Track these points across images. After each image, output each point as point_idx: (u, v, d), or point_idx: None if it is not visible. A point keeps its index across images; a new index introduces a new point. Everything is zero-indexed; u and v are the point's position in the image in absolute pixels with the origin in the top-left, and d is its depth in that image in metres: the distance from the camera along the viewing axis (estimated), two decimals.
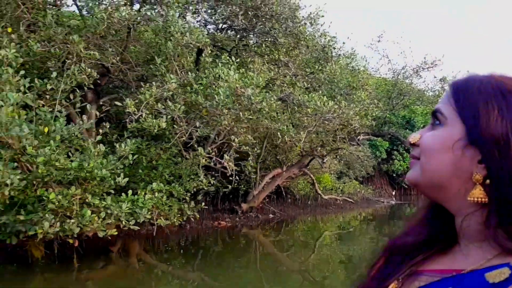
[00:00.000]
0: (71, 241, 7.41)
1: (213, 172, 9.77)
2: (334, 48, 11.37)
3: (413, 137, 0.87)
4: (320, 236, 14.10)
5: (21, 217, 6.80)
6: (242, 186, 13.40)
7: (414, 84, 18.90)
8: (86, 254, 8.63)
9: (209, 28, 11.28)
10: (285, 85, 9.71)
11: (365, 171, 20.20)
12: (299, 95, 9.46)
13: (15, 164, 6.54)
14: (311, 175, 14.87)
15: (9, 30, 7.94)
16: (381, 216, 19.38)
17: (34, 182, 6.80)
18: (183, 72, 8.80)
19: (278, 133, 9.14)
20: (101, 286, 8.04)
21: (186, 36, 8.38)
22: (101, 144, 7.34)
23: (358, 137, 12.90)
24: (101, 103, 9.68)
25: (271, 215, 14.95)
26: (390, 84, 18.79)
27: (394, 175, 23.78)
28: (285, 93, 9.54)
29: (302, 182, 17.43)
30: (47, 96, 7.29)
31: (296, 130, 9.33)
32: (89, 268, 8.61)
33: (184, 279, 8.57)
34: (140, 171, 8.97)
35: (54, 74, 7.57)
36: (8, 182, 6.31)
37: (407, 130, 20.42)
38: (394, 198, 22.78)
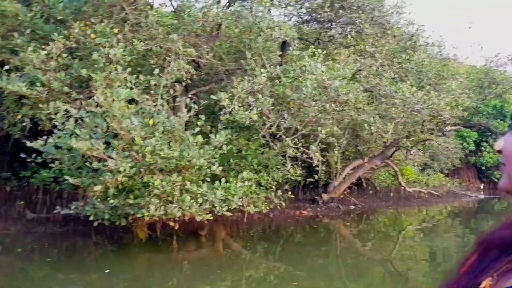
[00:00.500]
0: (172, 224, 8.16)
1: (299, 162, 10.11)
2: (422, 37, 11.15)
3: (498, 144, 0.85)
4: (402, 229, 13.94)
5: (130, 201, 7.63)
6: (322, 176, 13.62)
7: (508, 73, 17.81)
8: (180, 237, 9.39)
9: (294, 21, 11.56)
10: (371, 76, 9.75)
11: (451, 163, 19.44)
12: (386, 86, 9.46)
13: (126, 153, 7.35)
14: (394, 167, 14.69)
15: (116, 31, 8.81)
16: (468, 211, 18.60)
17: (141, 169, 7.58)
18: (271, 66, 9.17)
19: (365, 125, 9.24)
20: (195, 267, 8.68)
21: (275, 31, 8.73)
22: (199, 135, 7.95)
23: (446, 128, 12.52)
24: (189, 96, 10.38)
25: (352, 206, 15.02)
26: (481, 73, 17.85)
27: (483, 167, 22.59)
28: (371, 84, 9.58)
29: (383, 173, 17.22)
30: (151, 91, 8.02)
31: (383, 121, 9.36)
32: (184, 250, 9.36)
33: (268, 266, 8.95)
34: (230, 160, 9.54)
35: (157, 70, 8.31)
36: (121, 169, 7.12)
37: (499, 120, 19.30)
38: (482, 192, 21.69)
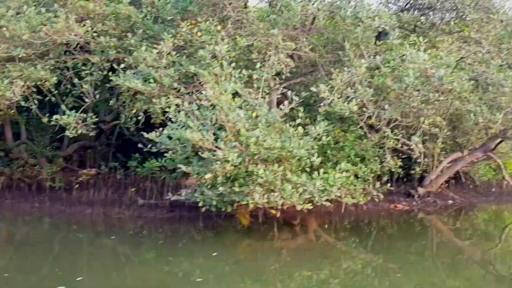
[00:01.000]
0: (273, 212, 8.57)
1: (398, 154, 10.00)
2: None
3: None
4: (505, 226, 13.16)
5: (236, 189, 8.13)
6: (418, 169, 13.26)
7: None
8: (276, 225, 9.74)
9: (392, 9, 11.39)
10: (477, 63, 9.35)
11: None
12: (494, 74, 9.03)
13: (233, 143, 7.84)
14: (498, 160, 13.86)
15: (219, 28, 9.35)
16: None
17: (246, 159, 8.02)
18: (369, 56, 9.16)
19: (470, 115, 8.91)
20: (293, 255, 8.92)
21: (375, 20, 8.70)
22: (300, 127, 8.22)
23: None
24: (281, 88, 10.67)
25: (450, 201, 14.43)
26: None
27: None
28: (477, 72, 9.20)
29: (483, 167, 16.29)
30: (255, 85, 8.43)
31: (490, 110, 8.96)
32: (281, 238, 9.71)
33: (365, 258, 8.94)
34: (328, 151, 9.71)
35: (258, 65, 8.71)
36: (229, 159, 7.62)
37: None
38: None
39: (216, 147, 7.76)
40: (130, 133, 16.28)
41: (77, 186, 12.35)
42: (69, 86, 10.50)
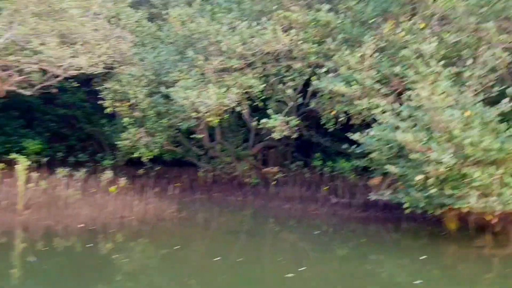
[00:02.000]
0: (488, 217, 8.08)
1: None
2: None
3: None
4: None
5: (447, 192, 7.89)
6: None
7: None
8: (484, 231, 9.08)
9: None
10: None
11: None
12: None
13: (447, 145, 7.64)
14: None
15: (422, 26, 9.19)
16: None
17: (460, 161, 7.73)
18: None
19: None
20: (508, 265, 8.19)
21: None
22: None
23: None
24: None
25: None
26: None
27: None
28: None
29: None
30: (467, 83, 8.08)
31: None
32: (492, 246, 8.98)
33: None
34: None
35: (469, 61, 8.30)
36: (443, 160, 7.45)
37: None
38: None
39: (429, 148, 7.66)
40: (309, 134, 17.06)
41: (274, 182, 13.39)
42: (270, 91, 11.50)
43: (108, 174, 10.92)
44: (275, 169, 17.16)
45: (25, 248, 7.62)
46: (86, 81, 16.61)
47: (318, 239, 9.26)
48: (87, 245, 7.99)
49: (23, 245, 7.86)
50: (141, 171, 14.51)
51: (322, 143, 17.33)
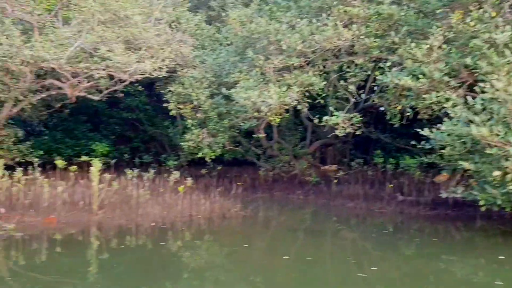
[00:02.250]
0: None
1: None
2: None
3: None
4: None
5: None
6: None
7: None
8: None
9: None
10: None
11: None
12: None
13: None
14: None
15: (493, 14, 8.70)
16: None
17: None
18: None
19: None
20: None
21: None
22: None
23: None
24: None
25: None
26: None
27: None
28: None
29: None
30: None
31: None
32: None
33: None
34: None
35: None
36: None
37: None
38: None
39: (507, 142, 7.25)
40: (368, 131, 16.68)
41: (336, 180, 13.24)
42: (330, 88, 11.37)
43: (176, 175, 11.24)
44: (334, 167, 17.02)
45: (100, 246, 8.01)
46: (149, 84, 17.26)
47: (386, 238, 9.05)
48: (159, 243, 8.28)
49: (99, 242, 8.26)
50: (203, 171, 14.85)
51: (382, 140, 16.96)
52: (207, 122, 13.00)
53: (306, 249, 8.32)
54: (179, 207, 10.37)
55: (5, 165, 11.08)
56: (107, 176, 10.08)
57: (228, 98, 12.84)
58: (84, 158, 14.55)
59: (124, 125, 20.64)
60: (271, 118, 10.77)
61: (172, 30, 13.65)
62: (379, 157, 15.27)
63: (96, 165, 9.77)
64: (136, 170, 11.56)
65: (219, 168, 15.34)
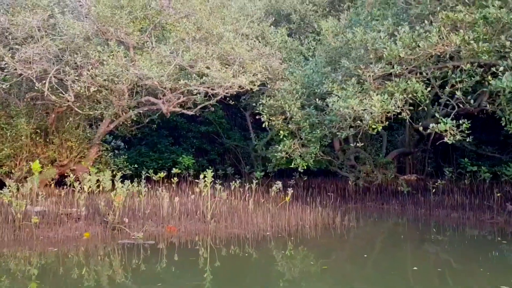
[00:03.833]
0: None
1: None
2: None
3: None
4: None
5: None
6: None
7: None
8: None
9: None
10: None
11: None
12: None
13: None
14: None
15: None
16: None
17: None
18: None
19: None
20: None
21: None
22: None
23: None
24: None
25: None
26: None
27: None
28: None
29: None
30: None
31: None
32: None
33: None
34: None
35: None
36: None
37: None
38: None
39: None
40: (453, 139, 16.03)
41: (433, 190, 12.81)
42: (434, 95, 11.04)
43: (277, 185, 11.35)
44: (413, 176, 16.54)
45: (221, 252, 8.10)
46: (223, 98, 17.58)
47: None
48: (280, 251, 8.34)
49: (223, 249, 8.39)
50: (292, 181, 14.89)
51: (466, 147, 16.29)
52: (299, 132, 13.05)
53: (431, 260, 8.07)
54: (283, 217, 10.42)
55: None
56: (217, 186, 10.30)
57: (318, 108, 12.88)
58: (175, 170, 15.00)
59: (201, 138, 21.23)
60: (373, 127, 10.63)
61: (259, 45, 13.90)
62: (470, 165, 14.69)
63: (208, 176, 10.02)
64: (238, 181, 11.77)
65: (305, 178, 15.31)
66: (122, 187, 9.27)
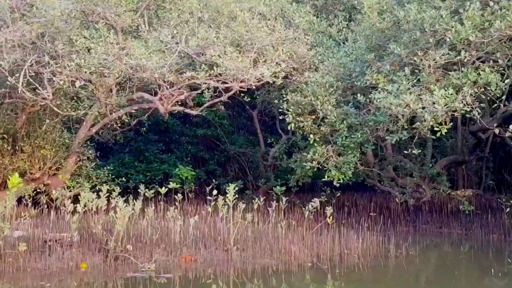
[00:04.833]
0: None
1: None
2: None
3: None
4: None
5: None
6: None
7: None
8: None
9: None
10: None
11: None
12: None
13: None
14: None
15: None
16: None
17: None
18: None
19: None
20: None
21: None
22: None
23: None
24: None
25: None
26: None
27: None
28: None
29: None
30: None
31: None
32: None
33: None
34: None
35: None
36: None
37: None
38: None
39: None
40: None
41: (508, 210, 12.62)
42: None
43: (314, 203, 11.17)
44: (468, 192, 16.20)
45: None
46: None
47: None
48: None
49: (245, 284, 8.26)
50: (322, 198, 14.68)
51: None
52: (335, 137, 12.85)
53: None
54: (325, 243, 10.24)
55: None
56: (240, 205, 10.11)
57: (357, 106, 12.71)
58: (173, 185, 14.75)
59: (197, 144, 20.87)
60: (437, 129, 10.45)
61: (281, 26, 13.62)
62: None
63: (231, 191, 9.82)
64: (262, 199, 11.60)
65: (338, 194, 15.13)
66: (126, 206, 9.02)
